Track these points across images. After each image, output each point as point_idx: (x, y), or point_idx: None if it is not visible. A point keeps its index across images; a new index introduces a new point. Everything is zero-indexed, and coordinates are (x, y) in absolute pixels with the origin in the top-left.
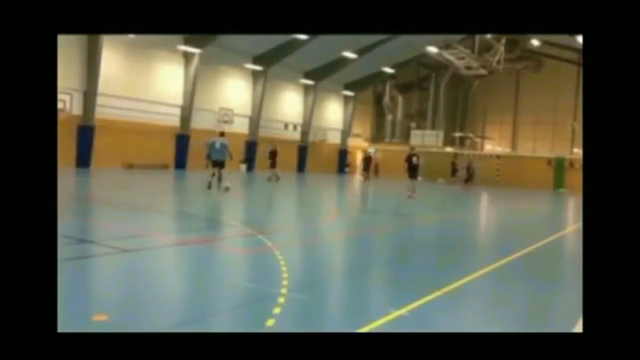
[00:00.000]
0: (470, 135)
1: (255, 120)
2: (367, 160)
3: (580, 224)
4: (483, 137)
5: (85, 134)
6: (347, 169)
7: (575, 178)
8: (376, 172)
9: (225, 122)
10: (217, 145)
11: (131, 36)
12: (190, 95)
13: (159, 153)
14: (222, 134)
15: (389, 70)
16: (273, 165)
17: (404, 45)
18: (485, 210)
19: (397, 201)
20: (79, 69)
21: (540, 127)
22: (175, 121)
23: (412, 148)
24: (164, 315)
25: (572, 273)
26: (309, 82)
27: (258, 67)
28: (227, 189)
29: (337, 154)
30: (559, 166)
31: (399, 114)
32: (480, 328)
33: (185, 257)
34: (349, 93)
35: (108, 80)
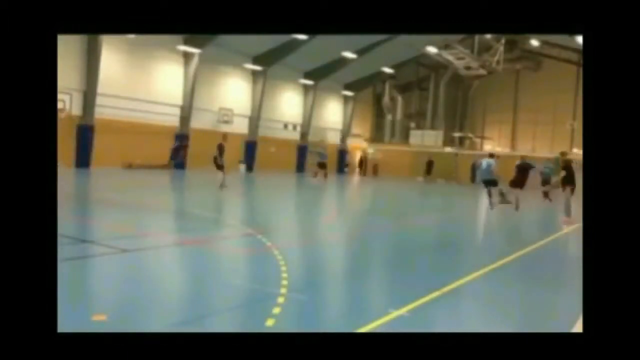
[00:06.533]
0: (470, 135)
1: (254, 120)
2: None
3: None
4: (482, 137)
5: (85, 133)
6: (346, 169)
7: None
8: (375, 171)
9: (225, 122)
10: (484, 166)
11: (131, 36)
12: (189, 95)
13: (158, 153)
14: (491, 156)
15: (388, 70)
16: (216, 165)
17: (404, 45)
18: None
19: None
20: (79, 69)
21: (539, 127)
22: (174, 121)
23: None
24: (164, 315)
25: (571, 273)
26: (309, 82)
27: (258, 67)
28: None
29: (336, 154)
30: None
31: (399, 114)
32: (480, 328)
33: (185, 257)
34: (348, 93)
35: (108, 80)
